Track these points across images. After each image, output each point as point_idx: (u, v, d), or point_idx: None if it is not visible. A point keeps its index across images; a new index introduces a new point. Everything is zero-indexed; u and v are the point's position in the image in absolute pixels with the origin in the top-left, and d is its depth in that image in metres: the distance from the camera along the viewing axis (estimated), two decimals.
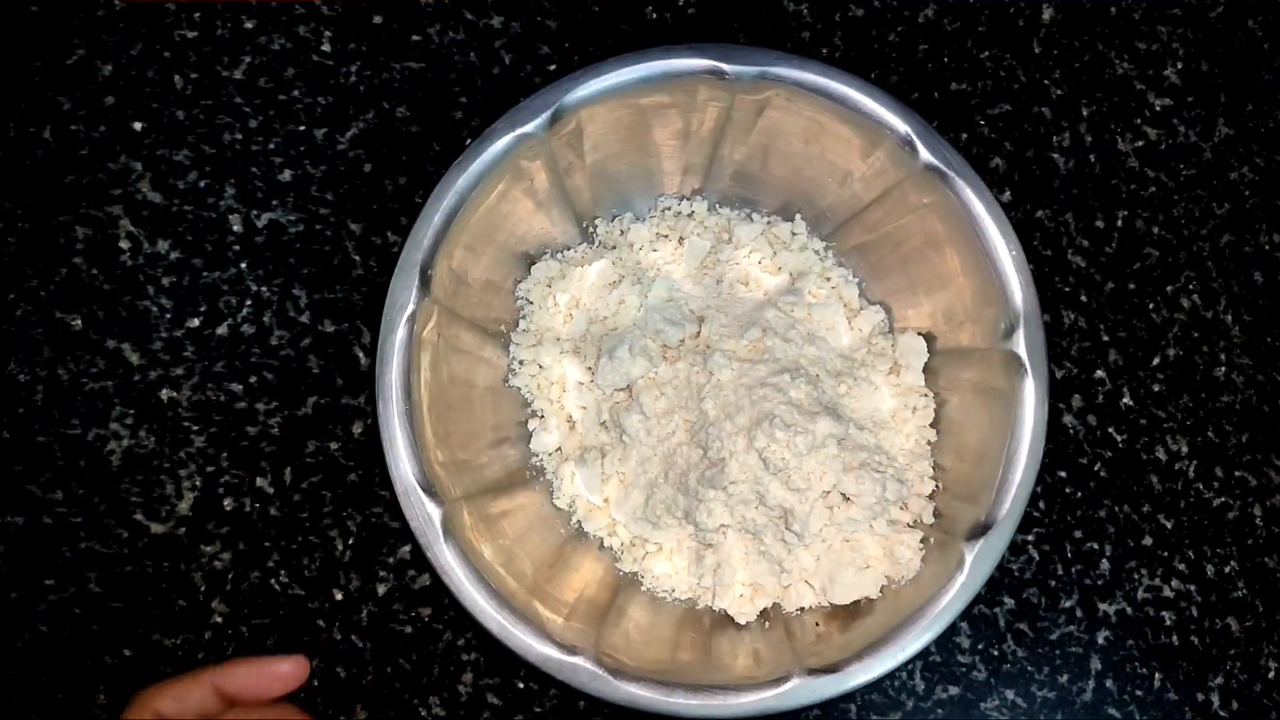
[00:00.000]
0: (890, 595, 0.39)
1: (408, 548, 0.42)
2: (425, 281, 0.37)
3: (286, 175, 0.44)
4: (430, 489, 0.36)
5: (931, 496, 0.40)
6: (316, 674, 0.41)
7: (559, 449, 0.42)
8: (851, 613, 0.39)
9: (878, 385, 0.42)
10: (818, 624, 0.39)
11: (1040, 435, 0.38)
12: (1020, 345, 0.38)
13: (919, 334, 0.42)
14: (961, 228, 0.39)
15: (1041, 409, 0.38)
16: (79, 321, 0.42)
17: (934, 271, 0.41)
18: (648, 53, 0.38)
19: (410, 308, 0.37)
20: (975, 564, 0.37)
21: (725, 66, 0.38)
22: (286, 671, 0.32)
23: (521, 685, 0.41)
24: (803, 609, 0.39)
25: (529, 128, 0.38)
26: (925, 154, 0.39)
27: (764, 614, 0.40)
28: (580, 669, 0.35)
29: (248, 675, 0.31)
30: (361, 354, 0.43)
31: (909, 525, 0.40)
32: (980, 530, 0.37)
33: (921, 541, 0.39)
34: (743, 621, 0.39)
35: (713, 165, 0.43)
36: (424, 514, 0.36)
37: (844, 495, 0.39)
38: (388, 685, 0.41)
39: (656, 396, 0.40)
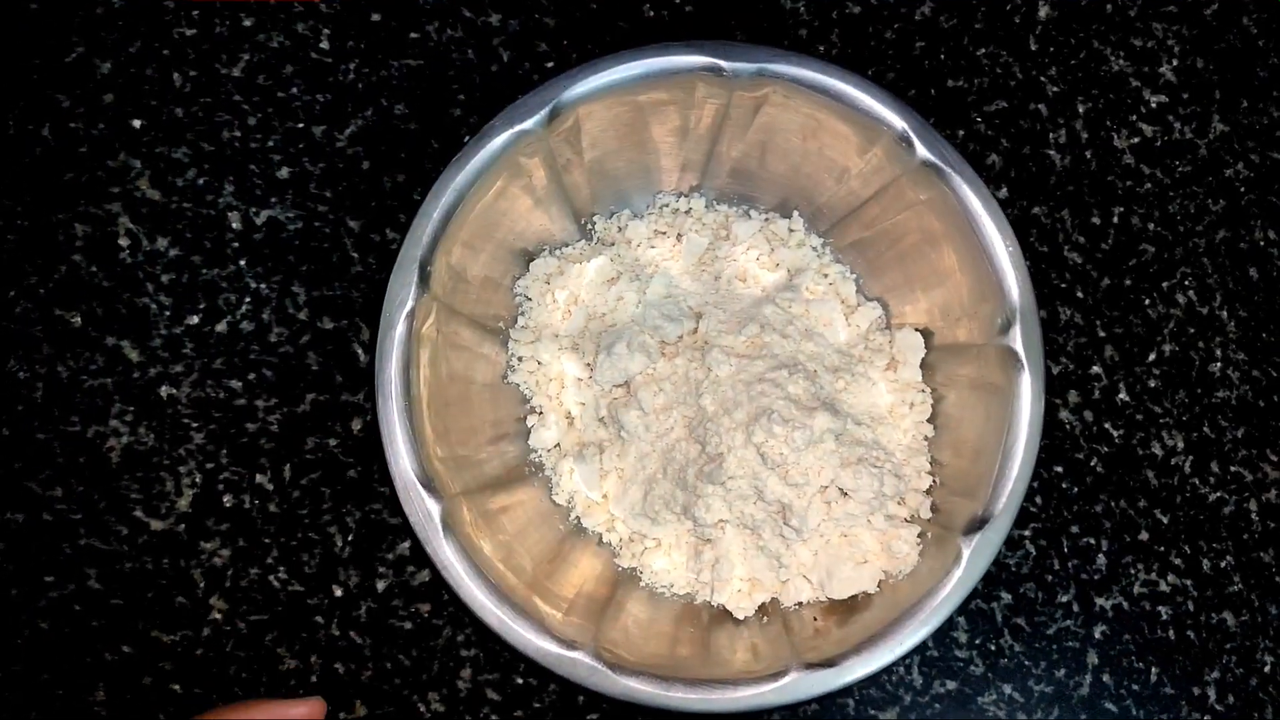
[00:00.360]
0: (888, 590, 0.39)
1: (407, 544, 0.42)
2: (424, 278, 0.37)
3: (285, 173, 0.44)
4: (430, 485, 0.36)
5: (929, 491, 0.40)
6: (315, 670, 0.41)
7: (557, 445, 0.42)
8: (849, 607, 0.39)
9: (875, 381, 0.42)
10: (816, 619, 0.39)
11: (1037, 430, 0.38)
12: (1017, 341, 0.38)
13: (916, 330, 0.42)
14: (958, 224, 0.39)
15: (1038, 404, 0.38)
16: (78, 319, 0.42)
17: (931, 268, 0.41)
18: (645, 50, 0.39)
19: (409, 304, 0.37)
20: (972, 559, 0.37)
21: (723, 63, 0.38)
22: (302, 713, 0.32)
23: (520, 680, 0.41)
24: (801, 604, 0.40)
25: (527, 125, 0.38)
26: (922, 150, 0.39)
27: (762, 609, 0.40)
28: (579, 664, 0.35)
29: (264, 715, 0.31)
30: (360, 351, 0.43)
31: (906, 520, 0.40)
32: (977, 525, 0.37)
33: (919, 536, 0.39)
34: (741, 616, 0.39)
35: (710, 162, 0.43)
36: (423, 510, 0.36)
37: (841, 490, 0.39)
38: (387, 681, 0.41)
39: (655, 392, 0.40)
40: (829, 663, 0.36)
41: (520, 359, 0.42)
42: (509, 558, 0.38)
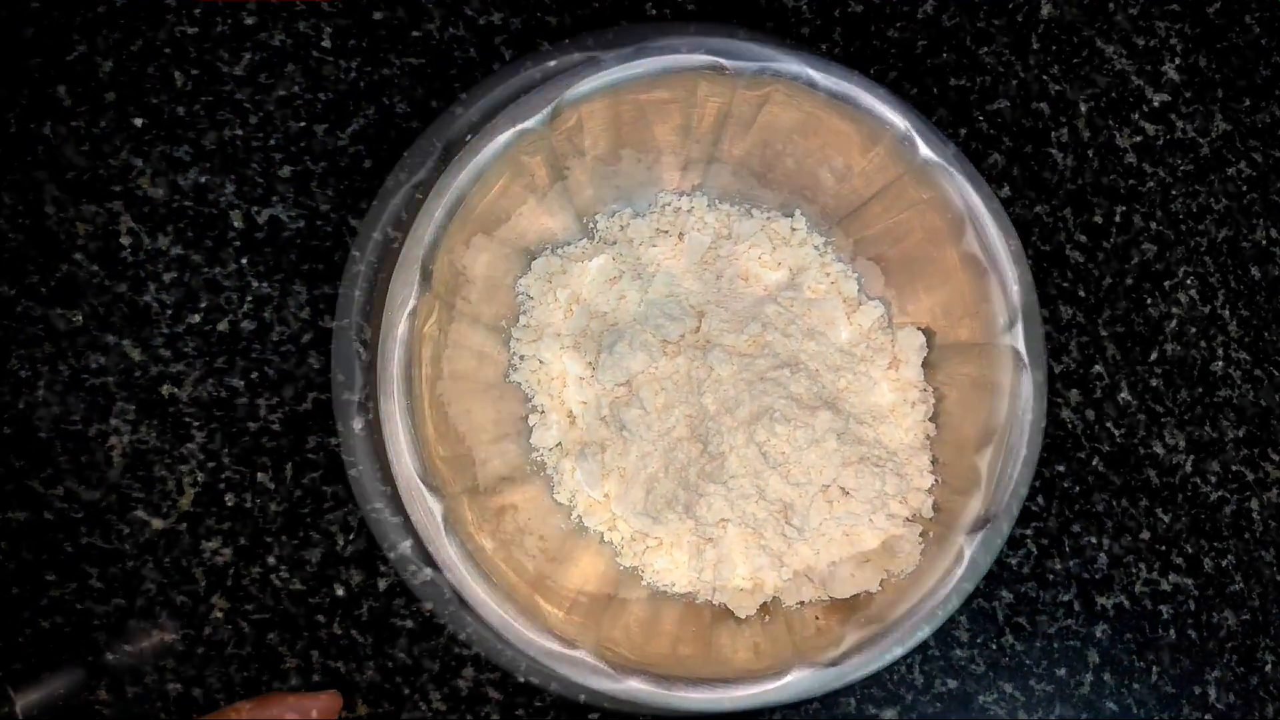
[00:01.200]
0: (889, 589, 0.39)
1: (409, 543, 0.42)
2: (426, 277, 0.37)
3: (287, 171, 0.44)
4: (431, 484, 0.36)
5: (930, 490, 0.40)
6: (317, 669, 0.41)
7: (559, 444, 0.42)
8: (851, 606, 0.39)
9: (877, 380, 0.42)
10: (817, 617, 0.39)
11: (1038, 429, 0.38)
12: (1019, 340, 0.38)
13: (918, 329, 0.42)
14: (960, 223, 0.39)
15: (1040, 403, 0.38)
16: (80, 317, 0.42)
17: (933, 266, 0.41)
18: (648, 48, 0.38)
19: (411, 303, 0.37)
20: (974, 558, 0.37)
21: (725, 62, 0.38)
22: (320, 705, 0.32)
23: (522, 680, 0.41)
24: (802, 602, 0.40)
25: (529, 123, 0.38)
26: (924, 149, 0.39)
27: (764, 608, 0.40)
28: (581, 663, 0.35)
29: (284, 711, 0.32)
30: (362, 349, 0.43)
31: (908, 519, 0.40)
32: (979, 524, 0.37)
33: (920, 535, 0.39)
34: (743, 615, 0.39)
35: (712, 161, 0.43)
36: (425, 509, 0.36)
37: (843, 489, 0.39)
38: (388, 680, 0.41)
39: (656, 391, 0.40)
40: (831, 662, 0.36)
41: (522, 358, 0.42)
42: (510, 557, 0.38)
